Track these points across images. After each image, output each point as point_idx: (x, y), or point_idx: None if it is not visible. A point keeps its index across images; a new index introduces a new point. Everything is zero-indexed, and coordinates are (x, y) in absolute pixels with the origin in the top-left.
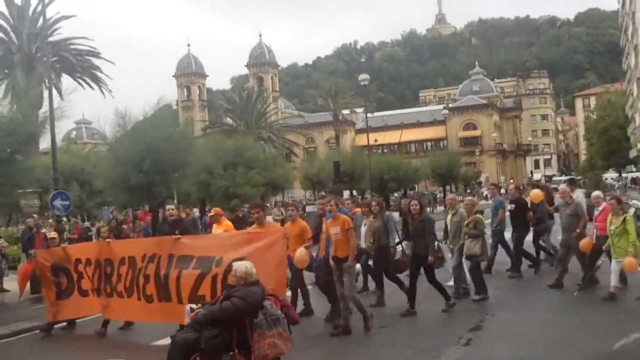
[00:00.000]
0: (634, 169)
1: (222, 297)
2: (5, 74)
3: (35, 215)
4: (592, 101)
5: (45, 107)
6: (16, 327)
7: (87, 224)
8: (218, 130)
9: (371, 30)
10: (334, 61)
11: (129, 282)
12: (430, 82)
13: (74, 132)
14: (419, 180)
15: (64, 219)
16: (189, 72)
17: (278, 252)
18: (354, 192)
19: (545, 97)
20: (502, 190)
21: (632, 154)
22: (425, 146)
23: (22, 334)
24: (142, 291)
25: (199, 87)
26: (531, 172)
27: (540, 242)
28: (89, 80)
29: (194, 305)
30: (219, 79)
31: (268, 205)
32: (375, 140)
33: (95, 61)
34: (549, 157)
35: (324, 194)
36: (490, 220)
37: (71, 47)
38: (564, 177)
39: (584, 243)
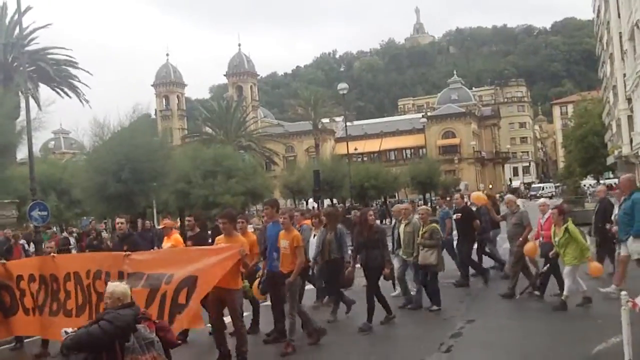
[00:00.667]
0: (612, 176)
1: (93, 320)
2: None
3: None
4: (570, 109)
5: (22, 117)
6: None
7: (65, 234)
8: (197, 139)
9: (350, 39)
10: (313, 70)
11: (81, 300)
12: (409, 91)
13: (52, 142)
14: (399, 188)
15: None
16: (168, 82)
17: (231, 269)
18: (335, 201)
19: (523, 105)
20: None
21: (610, 160)
22: (404, 154)
23: None
24: (94, 309)
25: (177, 96)
26: (510, 179)
27: (487, 249)
28: (66, 90)
29: (69, 329)
30: (198, 89)
31: (247, 213)
32: (355, 149)
33: (73, 71)
34: (527, 164)
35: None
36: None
37: (48, 56)
38: (542, 184)
39: (528, 248)
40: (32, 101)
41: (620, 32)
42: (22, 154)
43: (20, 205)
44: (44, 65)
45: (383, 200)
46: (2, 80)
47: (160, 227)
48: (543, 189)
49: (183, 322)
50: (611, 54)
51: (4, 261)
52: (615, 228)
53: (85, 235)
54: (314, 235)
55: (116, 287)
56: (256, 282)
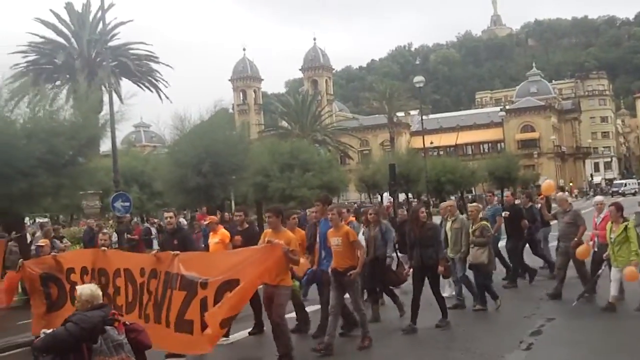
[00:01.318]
0: None
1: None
2: (67, 79)
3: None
4: None
5: (105, 111)
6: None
7: (146, 224)
8: (273, 133)
9: (426, 32)
10: (388, 63)
11: (132, 297)
12: (486, 84)
13: (133, 136)
14: (476, 183)
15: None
16: (245, 76)
17: (274, 269)
18: (410, 195)
19: (604, 99)
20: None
21: None
22: (482, 148)
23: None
24: (143, 309)
25: (254, 90)
26: (591, 175)
27: (539, 250)
28: (147, 84)
29: (47, 330)
30: (273, 83)
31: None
32: (431, 143)
33: (154, 65)
34: (609, 159)
35: (316, 203)
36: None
37: (130, 51)
38: (624, 181)
39: (580, 251)
40: (114, 95)
41: None
42: (104, 146)
43: (103, 196)
44: (126, 60)
45: (460, 194)
46: (86, 75)
47: (206, 223)
48: (625, 185)
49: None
50: None
51: (55, 253)
52: None
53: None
54: (363, 233)
55: (83, 289)
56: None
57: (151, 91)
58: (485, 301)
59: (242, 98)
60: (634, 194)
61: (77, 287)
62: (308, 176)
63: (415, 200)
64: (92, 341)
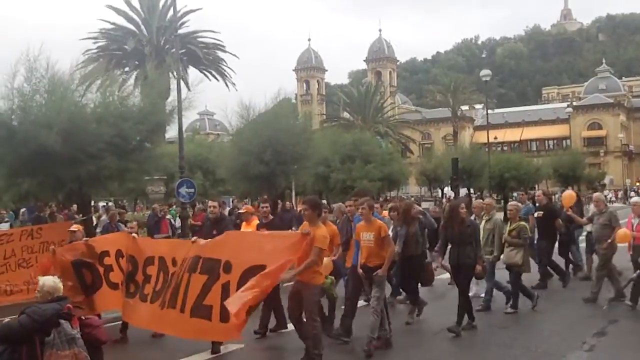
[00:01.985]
0: None
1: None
2: (135, 66)
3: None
4: None
5: (172, 98)
6: None
7: (242, 208)
8: (335, 124)
9: (493, 25)
10: (454, 56)
11: (160, 286)
12: (553, 79)
13: (198, 123)
14: (540, 180)
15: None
16: (309, 67)
17: (297, 255)
18: (471, 190)
19: None
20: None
21: None
22: (547, 145)
23: None
24: (164, 295)
25: (317, 81)
26: None
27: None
28: (214, 73)
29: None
30: (337, 74)
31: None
32: (495, 138)
33: (221, 54)
34: None
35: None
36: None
37: (198, 40)
38: None
39: (620, 234)
40: (181, 83)
41: None
42: (170, 133)
43: (168, 182)
44: (194, 48)
45: (523, 191)
46: (155, 62)
47: (242, 211)
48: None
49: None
50: None
51: (87, 239)
52: None
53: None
54: (391, 230)
55: (46, 280)
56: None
57: (217, 80)
58: (517, 304)
59: (305, 88)
60: None
61: (39, 278)
62: (369, 168)
63: (475, 195)
64: (45, 334)
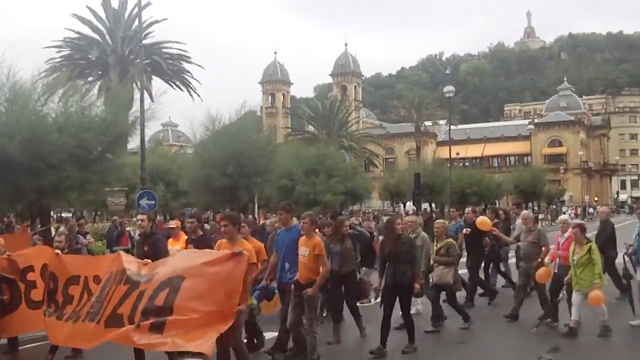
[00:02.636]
0: None
1: None
2: (99, 75)
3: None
4: None
5: (135, 108)
6: None
7: (171, 223)
8: (300, 137)
9: (457, 42)
10: (418, 72)
11: (82, 306)
12: (516, 97)
13: (161, 134)
14: (501, 195)
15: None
16: (275, 80)
17: (233, 277)
18: (434, 205)
19: (635, 116)
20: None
21: None
22: (508, 161)
23: None
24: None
25: (283, 94)
26: (617, 192)
27: (501, 268)
28: (178, 84)
29: None
30: (303, 87)
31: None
32: (458, 154)
33: (186, 65)
34: (636, 177)
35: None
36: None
37: (163, 50)
38: None
39: (540, 274)
40: (145, 93)
41: None
42: (132, 144)
43: (129, 193)
44: (159, 59)
45: (484, 207)
46: (118, 72)
47: (171, 226)
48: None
49: (180, 341)
50: None
51: (9, 253)
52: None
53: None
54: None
55: None
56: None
57: (181, 90)
58: (439, 323)
59: (270, 101)
60: None
61: None
62: (333, 182)
63: (437, 210)
64: None
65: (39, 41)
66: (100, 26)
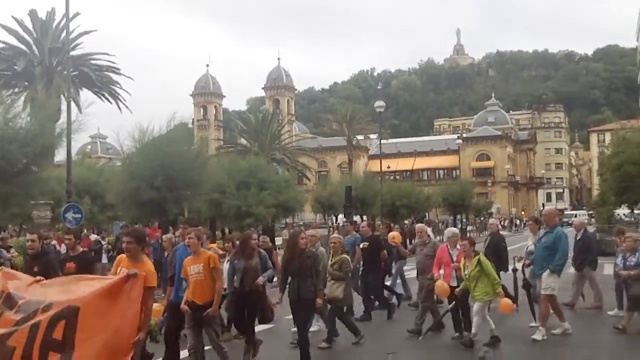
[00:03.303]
0: None
1: None
2: (25, 87)
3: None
4: (607, 137)
5: (62, 120)
6: None
7: (97, 237)
8: (232, 150)
9: (389, 58)
10: (350, 87)
11: None
12: (445, 112)
13: (89, 146)
14: (430, 208)
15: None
16: (207, 92)
17: (130, 304)
18: (365, 217)
19: (560, 131)
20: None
21: None
22: (437, 175)
23: None
24: None
25: (215, 107)
26: (543, 205)
27: (385, 282)
28: (107, 95)
29: None
30: (236, 100)
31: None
32: (388, 167)
33: (115, 77)
34: (561, 190)
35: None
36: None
37: (91, 62)
38: (575, 212)
39: (439, 289)
40: (72, 105)
41: None
42: (59, 156)
43: (55, 206)
44: (87, 70)
45: (414, 219)
46: (45, 83)
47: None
48: (576, 216)
49: None
50: None
51: None
52: (527, 262)
53: (117, 239)
54: (227, 262)
55: None
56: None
57: (110, 102)
58: (332, 339)
59: (202, 113)
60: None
61: None
62: (264, 195)
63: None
64: None
65: None
66: (26, 37)
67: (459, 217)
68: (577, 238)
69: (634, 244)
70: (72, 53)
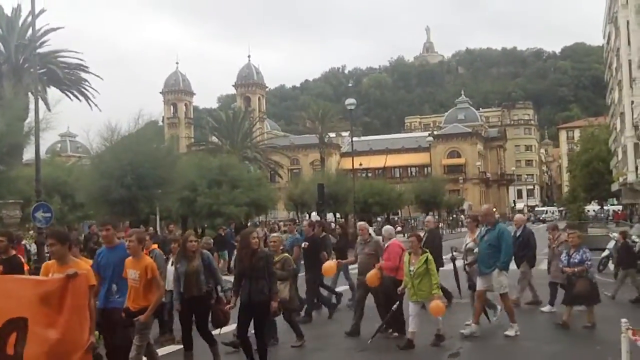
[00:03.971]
0: (616, 202)
1: None
2: None
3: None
4: (576, 134)
5: (30, 118)
6: None
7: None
8: (203, 148)
9: (359, 56)
10: (322, 84)
11: None
12: (416, 109)
13: (59, 145)
14: (403, 205)
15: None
16: (177, 90)
17: (77, 306)
18: (338, 215)
19: (529, 128)
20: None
21: (614, 187)
22: (409, 172)
23: None
24: None
25: (185, 104)
26: (514, 201)
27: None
28: (76, 93)
29: None
30: (206, 98)
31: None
32: (360, 164)
33: (84, 75)
34: (531, 187)
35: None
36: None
37: (59, 59)
38: (545, 208)
39: (370, 277)
40: (41, 103)
41: (629, 60)
42: (28, 155)
43: (24, 206)
44: (55, 68)
45: (386, 217)
46: (12, 81)
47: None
48: (546, 212)
49: None
50: (620, 80)
51: None
52: (469, 259)
53: (87, 239)
54: (172, 263)
55: None
56: None
57: (79, 100)
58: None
59: (172, 111)
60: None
61: None
62: (236, 193)
63: (344, 220)
64: None
65: None
66: None
67: (431, 213)
68: (517, 234)
69: (579, 240)
70: (40, 50)
